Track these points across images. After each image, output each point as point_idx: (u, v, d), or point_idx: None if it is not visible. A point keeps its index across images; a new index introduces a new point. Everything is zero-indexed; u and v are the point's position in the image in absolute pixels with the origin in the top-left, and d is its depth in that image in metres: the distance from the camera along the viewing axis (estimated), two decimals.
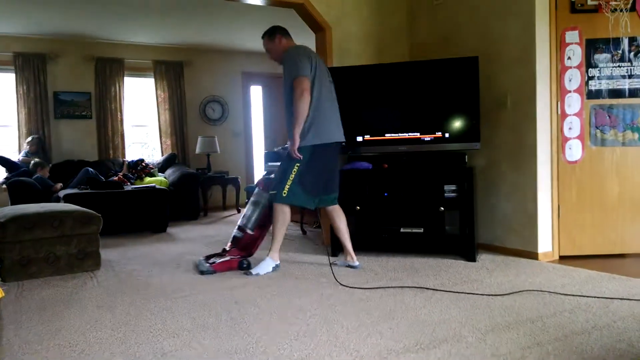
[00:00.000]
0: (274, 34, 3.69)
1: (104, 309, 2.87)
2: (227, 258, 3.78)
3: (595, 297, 2.85)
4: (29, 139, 6.64)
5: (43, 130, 6.92)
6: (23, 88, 6.83)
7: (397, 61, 4.88)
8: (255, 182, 3.87)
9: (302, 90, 3.41)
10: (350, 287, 3.16)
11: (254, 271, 3.60)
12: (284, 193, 3.54)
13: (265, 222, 3.87)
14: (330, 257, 4.06)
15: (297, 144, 3.48)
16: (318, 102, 3.53)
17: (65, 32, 6.85)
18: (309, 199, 3.61)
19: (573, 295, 2.89)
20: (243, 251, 3.86)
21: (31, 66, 6.85)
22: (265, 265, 3.64)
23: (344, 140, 3.75)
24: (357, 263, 3.75)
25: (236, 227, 3.96)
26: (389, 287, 3.14)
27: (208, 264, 3.72)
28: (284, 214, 3.60)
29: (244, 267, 3.69)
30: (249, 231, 3.85)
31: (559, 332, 2.31)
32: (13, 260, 3.58)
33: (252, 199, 3.94)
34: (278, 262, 3.69)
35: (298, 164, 3.53)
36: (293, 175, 3.53)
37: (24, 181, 5.88)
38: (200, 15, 6.32)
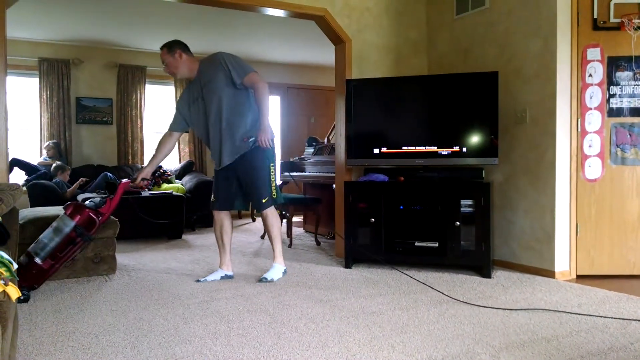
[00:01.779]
0: (172, 48, 3.63)
1: (117, 313, 2.89)
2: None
3: (612, 317, 2.79)
4: (47, 143, 6.75)
5: (64, 134, 7.04)
6: (46, 93, 6.96)
7: (415, 74, 4.89)
8: (65, 205, 3.44)
9: (264, 81, 3.54)
10: (363, 299, 3.15)
11: (268, 277, 3.61)
12: (274, 195, 3.63)
13: (61, 254, 3.29)
14: (344, 268, 4.05)
15: (269, 133, 3.52)
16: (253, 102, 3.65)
17: (89, 38, 6.98)
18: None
19: (590, 315, 2.84)
20: (27, 282, 3.20)
21: (55, 71, 6.98)
22: (276, 271, 3.66)
23: None
24: (232, 272, 3.79)
25: (25, 252, 3.32)
26: (402, 301, 3.12)
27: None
28: (277, 216, 3.73)
29: (20, 300, 2.98)
30: (38, 260, 3.21)
31: (575, 353, 2.27)
32: None
33: (54, 224, 3.34)
34: (284, 266, 3.80)
35: (272, 164, 3.62)
36: (273, 177, 3.63)
37: (43, 184, 5.97)
38: (220, 25, 6.39)
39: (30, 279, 3.22)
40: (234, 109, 3.55)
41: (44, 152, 6.75)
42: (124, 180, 3.68)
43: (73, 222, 3.29)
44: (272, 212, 3.68)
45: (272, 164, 3.62)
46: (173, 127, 3.78)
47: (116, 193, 3.54)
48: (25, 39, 6.87)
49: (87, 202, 3.44)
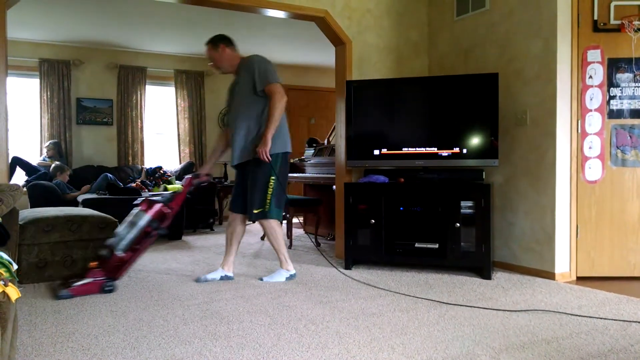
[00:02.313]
0: (217, 43, 3.66)
1: (117, 314, 2.89)
2: (89, 280, 3.35)
3: (613, 319, 2.79)
4: (47, 143, 6.75)
5: (65, 135, 7.04)
6: (47, 93, 6.97)
7: (416, 75, 4.89)
8: (139, 201, 3.64)
9: (282, 95, 3.47)
10: (363, 301, 3.14)
11: (265, 279, 3.62)
12: (267, 209, 3.56)
13: (139, 245, 3.50)
14: (344, 270, 4.05)
15: (270, 145, 3.46)
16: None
17: (90, 39, 6.99)
18: (281, 212, 3.66)
19: (590, 316, 2.84)
20: (109, 273, 3.44)
21: (56, 72, 6.99)
22: (278, 275, 3.66)
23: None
24: (232, 274, 3.77)
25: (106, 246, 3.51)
26: (402, 302, 3.12)
27: (66, 289, 3.28)
28: (278, 227, 3.66)
29: (106, 290, 3.35)
30: (118, 253, 3.43)
31: (575, 354, 2.27)
32: (30, 263, 3.63)
33: (129, 218, 3.53)
34: (293, 271, 3.73)
35: (273, 177, 3.54)
36: (271, 189, 3.55)
37: (43, 185, 5.97)
38: (221, 26, 6.39)
39: (112, 270, 3.45)
40: (251, 113, 3.55)
41: (44, 152, 6.75)
42: (188, 177, 3.87)
43: (148, 216, 3.50)
44: (269, 225, 3.61)
45: (273, 178, 3.54)
46: (226, 122, 3.81)
47: (183, 189, 3.80)
48: (25, 39, 6.87)
49: (156, 198, 3.68)
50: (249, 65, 3.59)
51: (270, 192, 3.54)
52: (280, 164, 3.57)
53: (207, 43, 3.69)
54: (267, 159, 3.45)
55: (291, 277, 3.70)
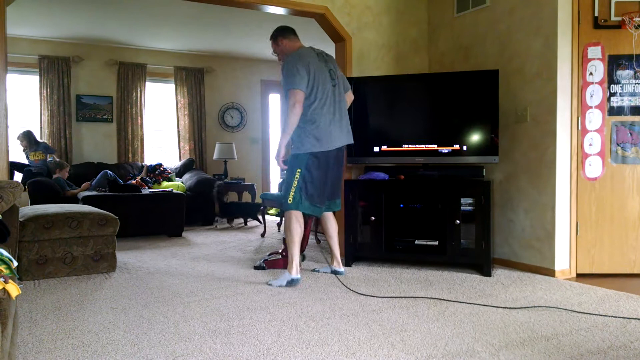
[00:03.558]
0: (275, 38, 3.69)
1: (117, 310, 2.89)
2: (277, 257, 4.01)
3: (612, 316, 2.79)
4: (18, 135, 6.50)
5: (64, 132, 7.03)
6: (47, 90, 6.96)
7: (416, 72, 4.88)
8: None
9: (294, 103, 3.40)
10: (364, 296, 3.15)
11: (269, 281, 3.56)
12: (290, 200, 3.51)
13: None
14: (344, 267, 4.05)
15: (283, 154, 3.50)
16: (317, 109, 3.47)
17: (90, 36, 6.97)
18: (316, 208, 3.58)
19: (590, 313, 2.84)
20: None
21: (56, 69, 6.98)
22: (281, 279, 3.53)
23: (350, 142, 3.70)
24: (342, 269, 3.83)
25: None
26: (402, 298, 3.12)
27: (262, 262, 3.99)
28: (295, 222, 3.53)
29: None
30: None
31: (575, 351, 2.27)
32: (30, 259, 3.63)
33: None
34: (296, 276, 3.50)
35: (299, 170, 3.49)
36: (296, 182, 3.50)
37: (43, 182, 5.97)
38: (220, 23, 6.39)
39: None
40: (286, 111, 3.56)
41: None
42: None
43: None
44: (288, 216, 3.55)
45: (299, 170, 3.49)
46: None
47: None
48: (25, 36, 6.86)
49: None
50: (282, 67, 3.57)
51: (294, 186, 3.50)
52: (311, 163, 3.49)
53: (270, 39, 3.76)
54: (279, 165, 3.56)
55: (292, 281, 3.48)
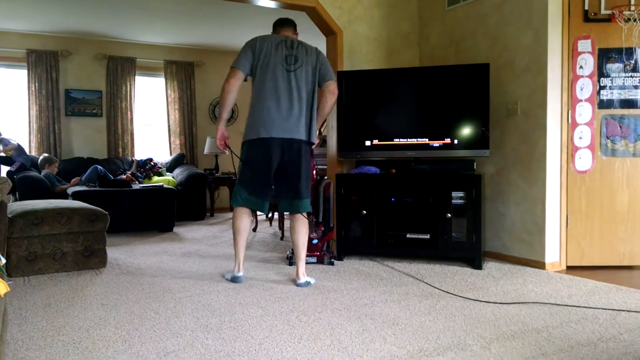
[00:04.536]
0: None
1: (108, 307, 2.87)
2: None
3: (602, 308, 2.82)
4: None
5: (53, 127, 6.96)
6: (35, 85, 6.88)
7: (407, 66, 4.88)
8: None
9: (226, 79, 3.31)
10: (355, 292, 3.15)
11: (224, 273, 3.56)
12: (234, 194, 3.37)
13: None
14: (336, 261, 4.05)
15: (218, 135, 3.41)
16: (259, 95, 3.28)
17: (78, 30, 6.90)
18: (257, 202, 3.32)
19: (580, 306, 2.86)
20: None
21: (44, 63, 6.90)
22: (229, 273, 3.52)
23: (301, 138, 3.29)
24: (303, 280, 3.34)
25: None
26: (393, 293, 3.13)
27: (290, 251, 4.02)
28: (236, 219, 3.38)
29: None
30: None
31: (565, 343, 2.29)
32: (20, 256, 3.60)
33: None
34: (238, 273, 3.41)
35: (240, 163, 3.34)
36: (238, 176, 3.39)
37: (32, 177, 5.92)
38: (211, 16, 6.34)
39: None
40: None
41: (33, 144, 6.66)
42: None
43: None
44: (233, 212, 3.41)
45: (240, 162, 3.36)
46: None
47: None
48: (13, 30, 6.77)
49: None
50: None
51: (238, 177, 3.39)
52: (245, 153, 3.33)
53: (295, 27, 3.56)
54: (222, 150, 3.45)
55: (234, 278, 3.40)
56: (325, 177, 4.24)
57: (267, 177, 3.28)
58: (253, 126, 3.27)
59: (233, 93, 3.31)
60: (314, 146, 3.48)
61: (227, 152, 3.42)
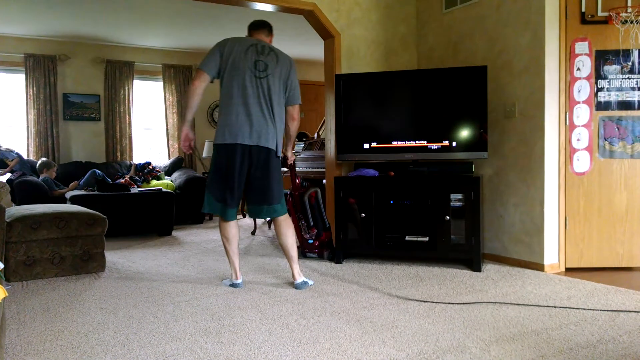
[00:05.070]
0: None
1: (107, 311, 2.87)
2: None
3: (601, 310, 2.82)
4: None
5: (51, 131, 6.96)
6: (33, 89, 6.88)
7: (405, 68, 4.89)
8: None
9: (192, 81, 3.29)
10: (354, 295, 3.15)
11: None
12: (204, 200, 3.30)
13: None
14: (334, 264, 4.05)
15: (183, 135, 3.34)
16: (227, 100, 3.22)
17: (76, 34, 6.90)
18: (223, 209, 3.25)
19: (579, 308, 2.86)
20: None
21: (42, 67, 6.90)
22: (228, 280, 3.50)
23: (268, 146, 3.20)
24: (300, 280, 3.35)
25: None
26: (392, 296, 3.12)
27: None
28: (223, 228, 3.33)
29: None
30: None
31: (564, 345, 2.28)
32: (18, 260, 3.59)
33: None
34: (236, 281, 3.39)
35: (212, 168, 3.28)
36: (207, 180, 3.32)
37: (31, 181, 5.90)
38: (209, 20, 6.34)
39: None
40: None
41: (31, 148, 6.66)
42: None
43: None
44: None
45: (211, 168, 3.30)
46: None
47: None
48: (10, 34, 6.77)
49: None
50: None
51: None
52: (213, 156, 3.28)
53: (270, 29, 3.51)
54: (185, 150, 3.42)
55: (234, 285, 3.38)
56: (307, 184, 4.44)
57: (232, 182, 3.19)
58: (219, 130, 3.22)
59: (198, 95, 3.25)
60: (288, 161, 3.58)
61: (191, 153, 3.40)
